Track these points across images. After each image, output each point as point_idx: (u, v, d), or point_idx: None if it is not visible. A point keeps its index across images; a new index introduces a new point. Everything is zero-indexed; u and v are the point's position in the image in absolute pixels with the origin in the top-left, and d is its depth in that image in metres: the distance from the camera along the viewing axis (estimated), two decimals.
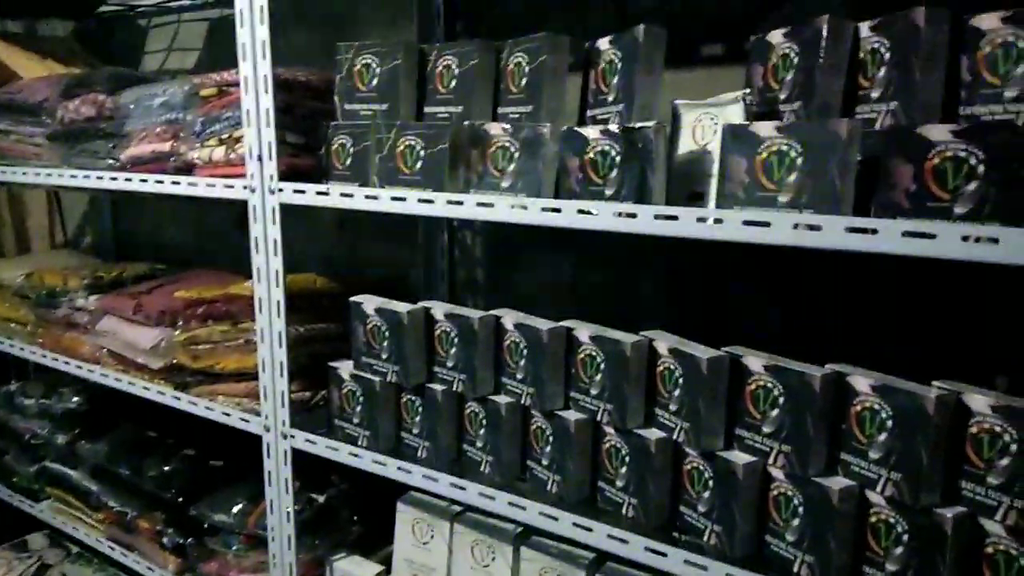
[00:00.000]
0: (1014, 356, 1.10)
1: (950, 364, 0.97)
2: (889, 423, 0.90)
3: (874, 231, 0.81)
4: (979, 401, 0.85)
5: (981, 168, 0.78)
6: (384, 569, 1.47)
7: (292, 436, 1.40)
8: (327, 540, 1.57)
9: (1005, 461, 0.83)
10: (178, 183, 1.46)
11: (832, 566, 0.94)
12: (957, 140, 0.79)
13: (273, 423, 1.42)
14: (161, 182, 1.49)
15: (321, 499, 1.60)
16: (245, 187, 1.36)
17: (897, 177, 0.83)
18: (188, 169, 1.48)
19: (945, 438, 0.87)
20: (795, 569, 0.97)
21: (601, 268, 1.50)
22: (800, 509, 0.96)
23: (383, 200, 1.21)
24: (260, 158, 1.33)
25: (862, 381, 0.93)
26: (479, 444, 1.26)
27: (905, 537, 0.89)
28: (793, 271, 1.26)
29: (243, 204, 1.37)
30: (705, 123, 1.04)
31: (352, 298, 1.36)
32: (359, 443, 1.35)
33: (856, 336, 1.24)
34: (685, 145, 1.06)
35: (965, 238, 0.76)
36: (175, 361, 1.58)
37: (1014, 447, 0.82)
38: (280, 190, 1.32)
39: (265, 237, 1.36)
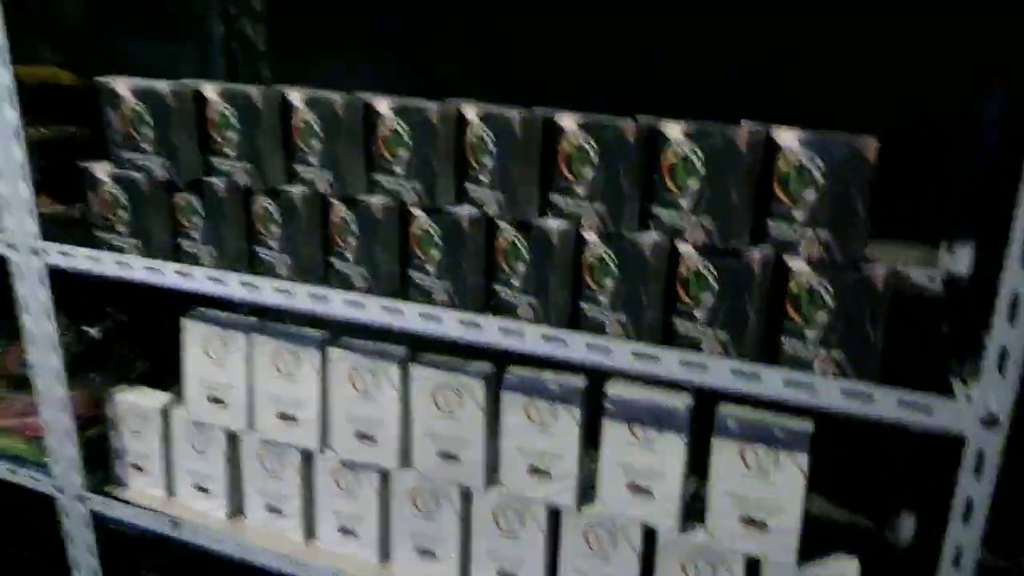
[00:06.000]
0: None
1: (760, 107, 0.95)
2: (701, 167, 0.87)
3: None
4: (787, 136, 0.84)
5: None
6: (175, 397, 1.32)
7: (44, 251, 1.19)
8: (106, 377, 1.39)
9: (811, 193, 0.83)
10: None
11: (644, 320, 0.92)
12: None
13: (19, 238, 1.19)
14: None
15: (94, 332, 1.41)
16: None
17: None
18: None
19: (755, 176, 0.85)
20: (607, 330, 0.95)
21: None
22: (614, 269, 0.93)
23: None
24: None
25: (675, 128, 0.89)
26: (273, 244, 1.12)
27: (714, 283, 0.89)
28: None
29: None
30: None
31: (100, 78, 1.13)
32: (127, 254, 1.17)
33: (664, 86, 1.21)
34: None
35: None
36: None
37: (819, 177, 0.82)
38: None
39: None
